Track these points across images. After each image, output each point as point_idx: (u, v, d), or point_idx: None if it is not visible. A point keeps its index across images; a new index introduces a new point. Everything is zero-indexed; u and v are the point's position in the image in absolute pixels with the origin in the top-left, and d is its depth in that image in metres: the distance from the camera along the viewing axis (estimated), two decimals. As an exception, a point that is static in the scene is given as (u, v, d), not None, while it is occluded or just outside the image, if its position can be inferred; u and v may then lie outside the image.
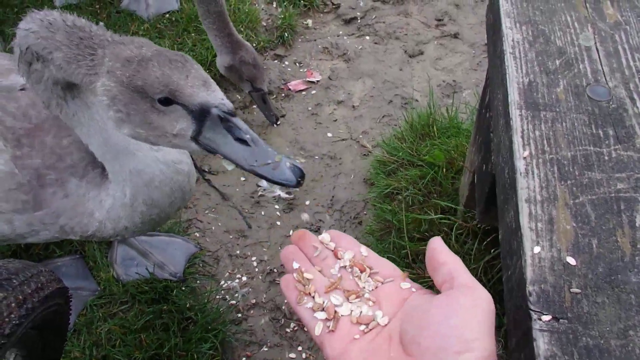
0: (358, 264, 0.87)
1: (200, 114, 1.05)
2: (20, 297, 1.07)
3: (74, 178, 1.41)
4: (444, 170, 2.11)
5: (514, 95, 1.22)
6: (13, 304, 1.04)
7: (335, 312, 0.81)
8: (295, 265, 0.88)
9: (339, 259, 0.89)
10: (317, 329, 0.81)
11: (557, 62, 1.29)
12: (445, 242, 1.92)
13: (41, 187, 1.41)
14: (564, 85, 1.23)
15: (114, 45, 1.07)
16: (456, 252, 1.89)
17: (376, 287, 0.84)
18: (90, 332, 2.09)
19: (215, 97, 1.05)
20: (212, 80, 1.07)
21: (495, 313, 0.73)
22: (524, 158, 1.09)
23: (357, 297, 0.83)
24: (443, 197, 2.03)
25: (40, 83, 1.18)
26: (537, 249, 0.92)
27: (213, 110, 1.04)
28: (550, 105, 1.19)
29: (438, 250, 0.82)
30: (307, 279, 0.85)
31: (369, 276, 0.86)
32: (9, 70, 1.52)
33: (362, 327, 0.79)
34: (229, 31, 2.55)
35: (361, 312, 0.81)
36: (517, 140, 1.13)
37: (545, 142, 1.11)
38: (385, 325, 0.79)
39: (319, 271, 0.88)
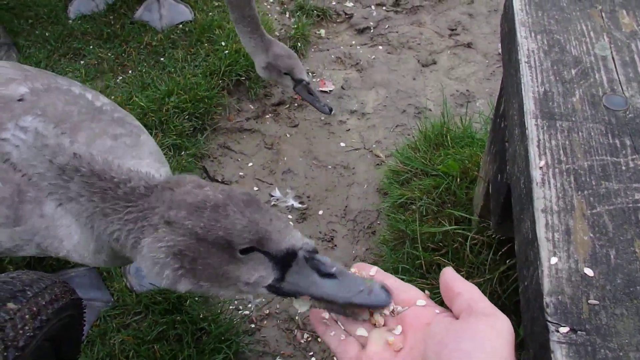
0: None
1: (285, 259, 0.95)
2: (35, 309, 1.06)
3: (52, 201, 1.34)
4: (458, 180, 2.10)
5: (529, 105, 1.21)
6: (27, 316, 1.04)
7: (364, 339, 0.82)
8: None
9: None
10: (346, 356, 0.82)
11: (573, 71, 1.28)
12: (460, 252, 1.91)
13: (21, 203, 1.37)
14: (580, 95, 1.22)
15: (161, 191, 0.94)
16: (471, 263, 1.88)
17: (401, 313, 0.85)
18: (104, 343, 2.10)
19: (299, 238, 0.96)
20: (288, 219, 0.99)
21: (514, 337, 0.73)
22: (540, 168, 1.08)
23: (384, 325, 0.84)
24: (457, 207, 2.02)
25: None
26: (554, 260, 0.91)
27: (300, 252, 0.95)
28: (566, 114, 1.18)
29: (452, 281, 0.82)
30: None
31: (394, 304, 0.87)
32: (11, 79, 1.49)
33: (390, 353, 0.80)
34: (261, 32, 2.56)
35: (388, 338, 0.81)
36: (533, 150, 1.12)
37: (561, 151, 1.10)
38: (411, 349, 0.80)
39: None
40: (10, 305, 1.04)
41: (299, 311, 1.02)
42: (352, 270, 0.94)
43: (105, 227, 0.97)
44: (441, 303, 0.88)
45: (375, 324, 0.86)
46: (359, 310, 0.91)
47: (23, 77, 1.52)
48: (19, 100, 1.45)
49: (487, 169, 1.76)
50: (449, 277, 0.83)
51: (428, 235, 1.99)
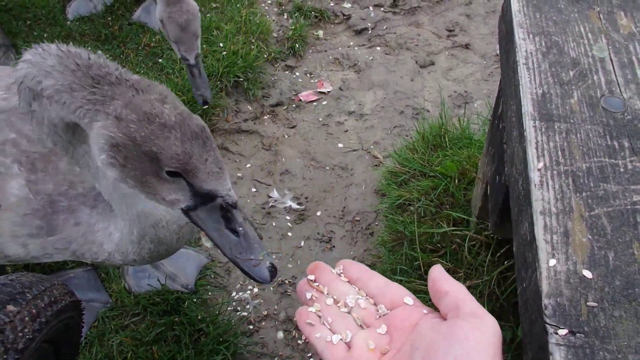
0: (370, 293, 0.87)
1: (203, 197, 1.04)
2: (34, 311, 1.07)
3: (85, 207, 1.40)
4: (456, 181, 2.10)
5: (527, 107, 1.21)
6: (27, 319, 1.04)
7: (349, 341, 0.81)
8: (309, 296, 0.88)
9: (354, 287, 0.89)
10: (332, 358, 0.81)
11: (571, 73, 1.28)
12: (458, 253, 1.91)
13: (54, 213, 1.40)
14: (578, 97, 1.23)
15: (126, 88, 0.98)
16: (469, 264, 1.88)
17: (387, 314, 0.84)
18: (102, 344, 2.10)
19: (224, 187, 1.03)
20: (224, 167, 1.04)
21: (501, 339, 0.72)
22: (539, 169, 1.08)
23: (369, 326, 0.83)
24: (455, 209, 2.02)
25: (42, 125, 1.11)
26: (552, 262, 0.91)
27: (218, 199, 1.04)
28: (565, 116, 1.18)
29: (440, 279, 0.81)
30: (321, 310, 0.86)
31: (374, 304, 0.86)
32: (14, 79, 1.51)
33: (376, 355, 0.79)
34: None
35: (374, 340, 0.80)
36: (531, 151, 1.12)
37: (559, 153, 1.10)
38: (398, 351, 0.79)
39: (334, 301, 0.88)
40: (10, 307, 1.04)
41: (206, 245, 1.13)
42: (338, 268, 0.93)
43: (70, 103, 1.01)
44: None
45: (362, 326, 0.85)
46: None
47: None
48: None
49: (485, 171, 1.76)
50: (437, 275, 0.82)
51: (426, 237, 1.99)
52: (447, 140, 2.36)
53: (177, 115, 0.99)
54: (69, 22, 3.24)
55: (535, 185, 1.05)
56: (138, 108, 0.96)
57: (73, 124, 1.10)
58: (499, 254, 1.76)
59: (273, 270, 1.03)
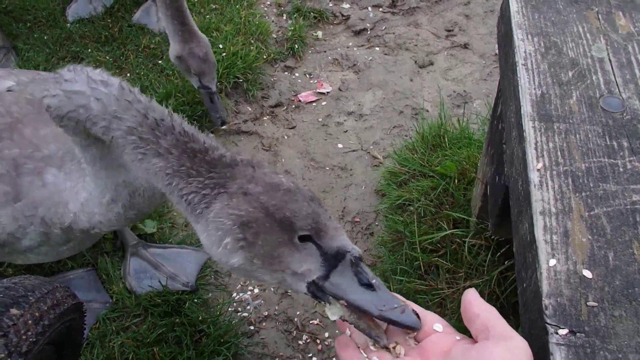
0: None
1: (333, 258, 0.99)
2: (37, 314, 1.07)
3: (51, 167, 1.39)
4: (456, 181, 2.11)
5: (526, 107, 1.22)
6: (30, 322, 1.04)
7: None
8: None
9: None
10: None
11: (570, 73, 1.29)
12: (458, 253, 1.92)
13: (19, 176, 1.39)
14: (577, 97, 1.23)
15: (247, 167, 1.02)
16: (469, 264, 1.89)
17: (420, 343, 0.87)
18: (104, 345, 2.10)
19: (349, 242, 1.01)
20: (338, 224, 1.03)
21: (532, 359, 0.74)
22: (538, 170, 1.08)
23: (406, 355, 0.85)
24: (455, 209, 2.03)
25: (70, 135, 1.16)
26: (552, 262, 0.92)
27: (348, 255, 0.99)
28: (564, 116, 1.19)
29: (472, 303, 0.83)
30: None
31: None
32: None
33: None
34: (184, 20, 2.47)
35: None
36: (530, 152, 1.12)
37: (559, 153, 1.11)
38: None
39: None
40: (14, 310, 1.04)
41: (330, 319, 1.05)
42: None
43: (183, 187, 1.02)
44: (460, 329, 0.89)
45: (397, 355, 0.87)
46: (381, 330, 0.94)
47: (8, 73, 1.55)
48: (8, 90, 1.48)
49: (484, 171, 1.77)
50: (470, 298, 0.84)
51: (426, 237, 2.00)
52: (446, 140, 2.37)
53: (292, 182, 1.02)
54: (69, 24, 3.24)
55: (534, 185, 1.06)
56: (261, 180, 0.99)
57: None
58: (498, 253, 1.76)
59: (417, 314, 0.93)
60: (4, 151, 1.39)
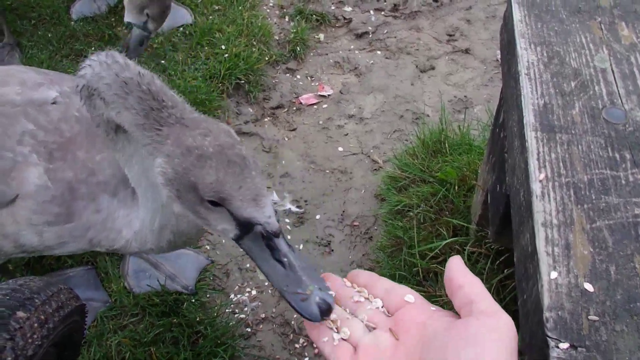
0: (377, 295, 0.88)
1: (244, 225, 1.04)
2: (42, 317, 1.07)
3: (106, 194, 1.43)
4: (456, 187, 2.11)
5: (529, 117, 1.22)
6: (36, 325, 1.05)
7: (357, 343, 0.82)
8: None
9: (365, 298, 0.89)
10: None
11: (573, 83, 1.29)
12: (457, 260, 1.92)
13: (73, 200, 1.43)
14: (579, 108, 1.23)
15: (180, 126, 1.07)
16: (468, 271, 1.89)
17: (394, 313, 0.84)
18: (101, 344, 2.10)
19: (263, 214, 1.03)
20: (264, 193, 1.04)
21: (517, 339, 0.71)
22: (540, 181, 1.09)
23: (376, 327, 0.83)
24: (455, 215, 2.03)
25: (97, 110, 1.19)
26: (554, 275, 0.92)
27: (257, 227, 1.03)
28: (566, 127, 1.19)
29: (456, 271, 0.79)
30: (331, 319, 0.86)
31: (382, 307, 0.86)
32: (39, 84, 1.53)
33: (385, 356, 0.79)
34: None
35: (382, 340, 0.80)
36: (532, 162, 1.12)
37: (561, 164, 1.11)
38: (407, 351, 0.78)
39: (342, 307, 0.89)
40: (20, 313, 1.04)
41: (260, 277, 1.09)
42: (348, 277, 0.94)
43: (142, 140, 1.11)
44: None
45: (368, 327, 0.84)
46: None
47: (48, 80, 1.56)
48: (53, 103, 1.50)
49: (485, 179, 1.77)
50: (454, 266, 0.79)
51: (425, 243, 2.00)
52: (447, 146, 2.37)
53: (215, 146, 1.03)
54: (72, 22, 3.24)
55: (536, 196, 1.06)
56: (182, 143, 1.04)
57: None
58: (498, 261, 1.77)
59: (325, 307, 0.89)
60: (58, 173, 1.43)
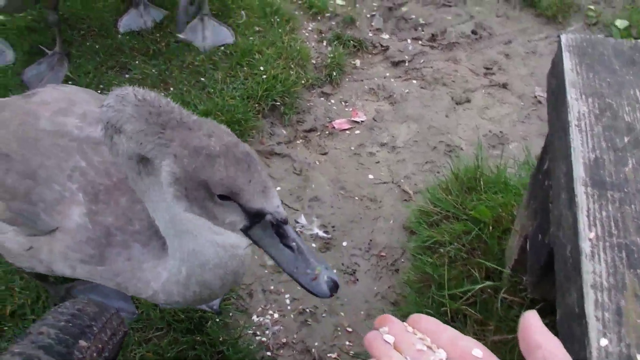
0: (442, 345, 0.86)
1: (255, 216, 1.13)
2: (100, 345, 1.08)
3: (138, 244, 1.46)
4: (490, 228, 2.08)
5: (579, 171, 1.20)
6: (95, 354, 1.06)
7: None
8: (381, 346, 0.87)
9: (428, 346, 0.87)
10: None
11: (626, 139, 1.27)
12: (488, 304, 1.89)
13: (108, 245, 1.46)
14: (632, 164, 1.21)
15: (183, 129, 1.12)
16: (499, 318, 1.85)
17: None
18: (125, 356, 2.11)
19: (272, 204, 1.12)
20: (270, 185, 1.13)
21: None
22: (590, 239, 1.07)
23: None
24: (488, 256, 2.00)
25: (119, 155, 1.23)
26: (603, 342, 0.89)
27: (267, 216, 1.12)
28: (618, 184, 1.17)
29: (533, 329, 0.76)
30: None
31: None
32: (98, 120, 1.56)
33: None
34: None
35: None
36: (582, 219, 1.11)
37: (612, 224, 1.09)
38: None
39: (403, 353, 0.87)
40: (82, 343, 1.06)
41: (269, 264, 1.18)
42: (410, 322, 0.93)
43: (145, 145, 1.15)
44: None
45: None
46: None
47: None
48: None
49: (524, 223, 1.74)
50: (530, 323, 0.76)
51: (456, 282, 1.98)
52: (482, 183, 2.35)
53: (221, 146, 1.10)
54: (119, 36, 3.32)
55: (586, 256, 1.04)
56: (189, 144, 1.10)
57: (145, 157, 1.24)
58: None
59: (332, 285, 1.07)
60: (99, 216, 1.48)
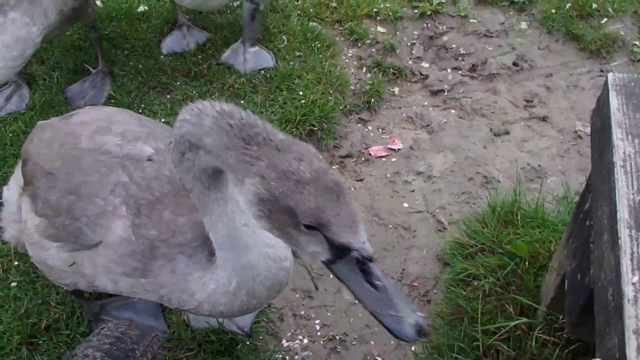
0: None
1: (340, 250, 1.09)
2: (142, 370, 1.11)
3: (183, 256, 1.49)
4: (526, 263, 2.04)
5: (623, 213, 1.18)
6: (138, 379, 1.08)
7: None
8: None
9: None
10: None
11: (672, 183, 1.24)
12: (522, 341, 1.84)
13: (152, 258, 1.49)
14: (679, 210, 1.18)
15: (271, 148, 1.10)
16: (533, 356, 1.81)
17: None
18: (154, 373, 2.14)
19: (359, 240, 1.08)
20: (359, 220, 1.09)
21: None
22: (633, 284, 1.04)
23: None
24: (523, 292, 1.96)
25: (189, 172, 1.25)
26: (647, 392, 0.87)
27: (353, 252, 1.08)
28: (664, 229, 1.14)
29: None
30: None
31: None
32: (137, 137, 1.63)
33: None
34: None
35: None
36: (625, 262, 1.08)
37: (657, 270, 1.06)
38: None
39: None
40: None
41: (346, 298, 1.15)
42: None
43: (227, 159, 1.13)
44: None
45: None
46: None
47: (146, 134, 1.63)
48: (148, 160, 1.58)
49: (562, 262, 1.71)
50: None
51: (489, 317, 1.94)
52: (519, 217, 2.32)
53: (312, 172, 1.08)
54: (162, 56, 3.44)
55: (628, 300, 1.02)
56: (277, 167, 1.08)
57: (219, 171, 1.23)
58: (567, 350, 1.68)
59: (418, 329, 1.02)
60: (142, 229, 1.51)
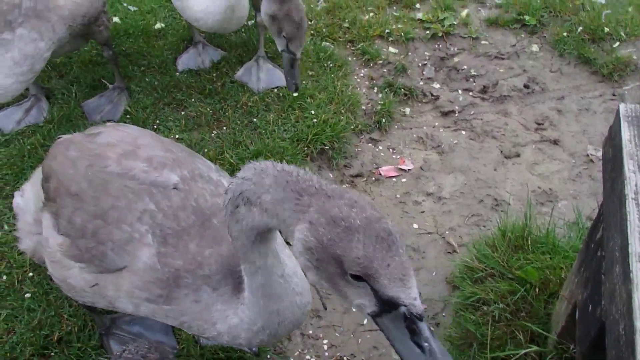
0: None
1: (387, 304, 1.04)
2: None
3: (208, 287, 1.51)
4: (537, 290, 2.04)
5: (635, 246, 1.18)
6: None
7: None
8: None
9: None
10: None
11: (685, 216, 1.24)
12: (533, 369, 1.83)
13: (176, 287, 1.51)
14: (691, 244, 1.18)
15: (321, 195, 1.09)
16: (544, 384, 1.80)
17: None
18: (162, 391, 2.14)
19: (409, 295, 1.03)
20: (411, 273, 1.05)
21: None
22: (645, 319, 1.04)
23: None
24: (533, 319, 1.95)
25: (238, 223, 1.25)
26: None
27: (402, 308, 1.04)
28: (676, 264, 1.14)
29: None
30: None
31: None
32: (163, 164, 1.64)
33: None
34: None
35: None
36: (637, 297, 1.08)
37: (669, 306, 1.06)
38: None
39: None
40: None
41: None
42: None
43: (281, 215, 1.14)
44: None
45: None
46: None
47: (171, 160, 1.66)
48: (174, 188, 1.60)
49: (573, 290, 1.70)
50: None
51: (499, 344, 1.93)
52: (529, 242, 2.31)
53: (363, 219, 1.04)
54: (177, 73, 3.49)
55: (640, 336, 1.02)
56: (327, 212, 1.06)
57: (267, 229, 1.24)
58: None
59: None
60: (168, 259, 1.52)
